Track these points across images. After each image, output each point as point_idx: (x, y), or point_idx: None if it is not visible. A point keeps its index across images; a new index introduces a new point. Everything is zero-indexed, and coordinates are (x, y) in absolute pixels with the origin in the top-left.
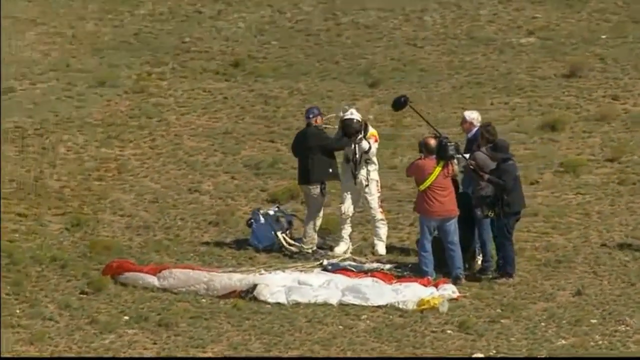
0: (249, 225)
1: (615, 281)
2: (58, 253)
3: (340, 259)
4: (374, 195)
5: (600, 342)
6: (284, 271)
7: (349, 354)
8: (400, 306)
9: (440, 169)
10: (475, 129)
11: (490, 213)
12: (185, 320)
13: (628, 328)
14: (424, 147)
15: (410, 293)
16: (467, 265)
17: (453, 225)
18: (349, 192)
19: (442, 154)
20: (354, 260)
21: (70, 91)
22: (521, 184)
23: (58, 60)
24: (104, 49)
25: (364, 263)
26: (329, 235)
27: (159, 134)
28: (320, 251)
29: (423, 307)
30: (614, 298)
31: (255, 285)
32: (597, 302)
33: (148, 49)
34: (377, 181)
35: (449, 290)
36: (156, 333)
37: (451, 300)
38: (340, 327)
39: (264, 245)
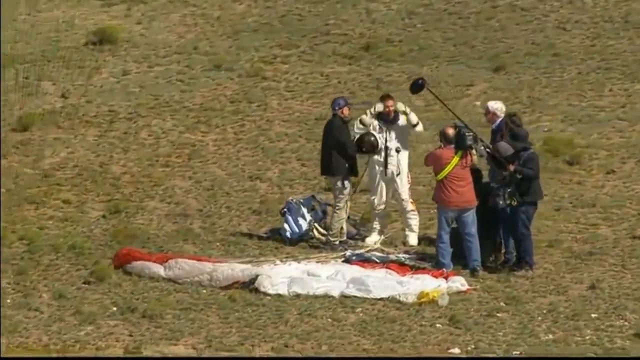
0: (283, 214)
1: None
2: (80, 241)
3: (367, 249)
4: (404, 185)
5: (587, 338)
6: (298, 262)
7: (323, 348)
8: (401, 299)
9: (458, 159)
10: (499, 119)
11: (512, 202)
12: (172, 312)
13: (625, 323)
14: (442, 136)
15: (416, 285)
16: (492, 257)
17: (471, 217)
18: (379, 183)
19: (460, 143)
20: (382, 251)
21: (184, 74)
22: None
23: (188, 42)
24: (241, 31)
25: (391, 254)
26: (364, 226)
27: (251, 119)
28: (351, 241)
29: (422, 300)
30: (628, 292)
31: (256, 276)
32: (608, 297)
33: (286, 31)
34: (407, 172)
35: (458, 283)
36: (137, 325)
37: (460, 293)
38: (329, 320)
39: (296, 235)
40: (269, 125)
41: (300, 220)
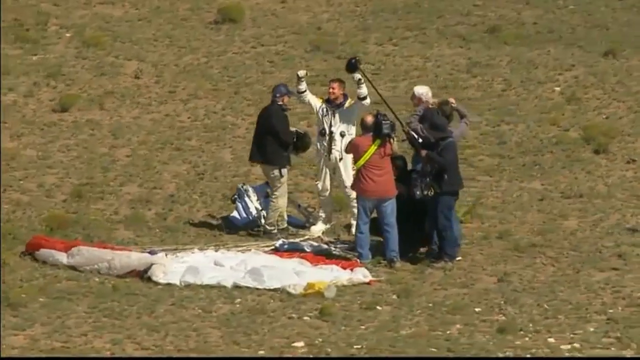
0: (233, 201)
1: (565, 268)
2: (12, 226)
3: (304, 238)
4: (348, 172)
5: (448, 332)
6: (216, 251)
7: (167, 340)
8: (290, 290)
9: (375, 147)
10: (422, 105)
11: (429, 192)
12: (39, 301)
13: (502, 318)
14: (361, 124)
15: (319, 276)
16: (425, 248)
17: (390, 207)
18: (324, 168)
19: (376, 131)
20: (322, 240)
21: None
22: (458, 164)
23: (314, 23)
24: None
25: (324, 244)
26: (312, 215)
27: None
28: (292, 229)
29: (309, 291)
30: (534, 286)
31: (151, 265)
32: (509, 290)
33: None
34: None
35: (360, 274)
36: None
37: (363, 284)
38: (199, 311)
39: (244, 221)
40: None
41: (251, 207)
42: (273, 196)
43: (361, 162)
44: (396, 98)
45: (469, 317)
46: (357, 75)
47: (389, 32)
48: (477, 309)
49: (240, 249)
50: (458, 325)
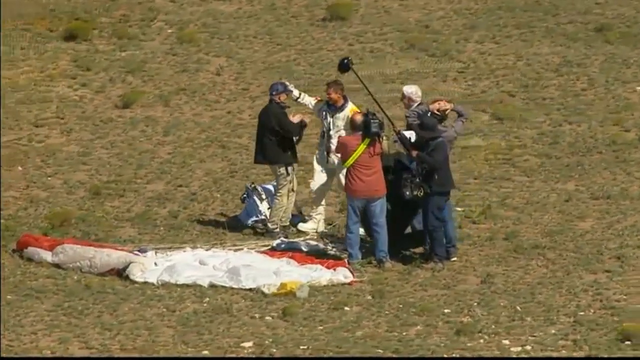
0: (242, 200)
1: (557, 269)
2: (13, 223)
3: (302, 239)
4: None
5: (405, 334)
6: (207, 250)
7: (116, 339)
8: (264, 290)
9: (364, 146)
10: (416, 104)
11: (419, 193)
12: (7, 299)
13: (468, 320)
14: (350, 123)
15: (296, 275)
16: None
17: (379, 206)
18: (321, 169)
19: (365, 130)
20: (322, 239)
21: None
22: (448, 164)
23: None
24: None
25: (322, 243)
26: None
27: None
28: (294, 229)
29: (281, 291)
30: (515, 288)
31: (129, 264)
32: (489, 292)
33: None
34: None
35: (341, 274)
36: None
37: (344, 285)
38: (163, 310)
39: (252, 221)
40: None
41: (260, 207)
42: (277, 194)
43: (350, 161)
44: (472, 97)
45: (434, 319)
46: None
47: (494, 30)
48: (446, 310)
49: (235, 248)
50: (419, 327)
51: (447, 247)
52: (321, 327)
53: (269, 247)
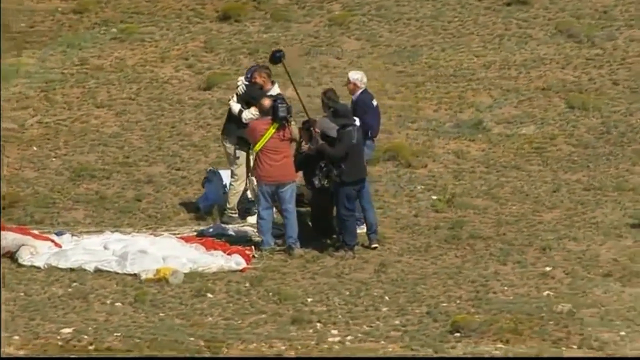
0: (203, 184)
1: (466, 261)
2: None
3: (236, 225)
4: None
5: (239, 322)
6: (126, 235)
7: None
8: (142, 275)
9: (273, 130)
10: (361, 90)
11: (325, 182)
12: None
13: (323, 309)
14: (258, 108)
15: (202, 261)
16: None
17: (289, 192)
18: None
19: (273, 115)
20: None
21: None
22: (362, 152)
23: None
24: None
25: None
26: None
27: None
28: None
29: (156, 277)
30: (405, 278)
31: (20, 247)
32: (376, 281)
33: None
34: None
35: (233, 262)
36: None
37: (236, 272)
38: (22, 294)
39: (209, 205)
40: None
41: (221, 190)
42: (232, 179)
43: (258, 146)
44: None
45: (286, 307)
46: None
47: None
48: (309, 299)
49: (176, 233)
50: (263, 316)
51: (369, 234)
52: (162, 314)
53: (198, 232)
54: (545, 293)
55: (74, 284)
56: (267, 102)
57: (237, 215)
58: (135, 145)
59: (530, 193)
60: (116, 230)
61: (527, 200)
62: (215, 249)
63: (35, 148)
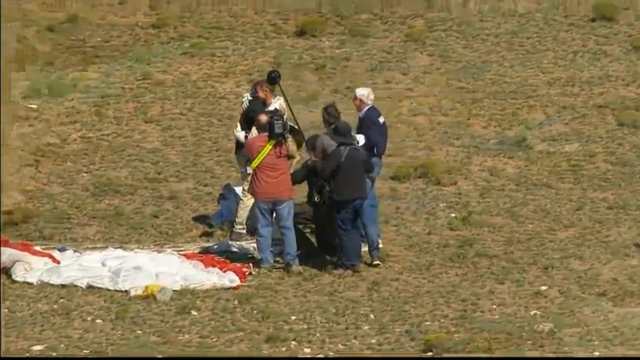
0: (218, 201)
1: (465, 280)
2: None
3: (242, 243)
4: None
5: (214, 340)
6: (127, 250)
7: None
8: (132, 292)
9: (270, 147)
10: (367, 107)
11: (316, 198)
12: None
13: (304, 327)
14: (255, 125)
15: (177, 279)
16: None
17: (287, 209)
18: None
19: (269, 131)
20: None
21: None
22: (357, 171)
23: None
24: None
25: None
26: None
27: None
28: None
29: (145, 294)
30: (398, 296)
31: (14, 262)
32: (367, 299)
33: None
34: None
35: (227, 278)
36: None
37: (229, 289)
38: (5, 310)
39: (222, 221)
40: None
41: (235, 207)
42: (242, 194)
43: (255, 162)
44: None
45: (267, 325)
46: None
47: None
48: (292, 317)
49: (180, 249)
50: (240, 334)
51: (370, 251)
52: (140, 331)
53: (203, 249)
54: (533, 312)
55: (61, 300)
56: (263, 118)
57: (245, 231)
58: (171, 160)
59: (551, 211)
60: (119, 247)
61: (546, 218)
62: (214, 265)
63: (69, 163)
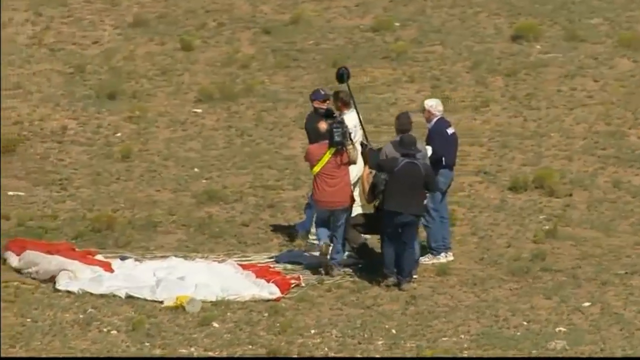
0: (305, 210)
1: (517, 294)
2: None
3: (315, 254)
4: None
5: (216, 353)
6: (190, 260)
7: None
8: (165, 303)
9: (330, 155)
10: (436, 118)
11: (376, 203)
12: None
13: (317, 341)
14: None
15: (217, 289)
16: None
17: (341, 218)
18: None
19: (329, 139)
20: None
21: None
22: (409, 186)
23: None
24: None
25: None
26: None
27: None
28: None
29: (175, 304)
30: (435, 311)
31: (60, 272)
32: (400, 314)
33: None
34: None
35: (266, 291)
36: None
37: (268, 301)
38: (28, 320)
39: (305, 230)
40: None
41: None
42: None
43: (316, 169)
44: None
45: (279, 340)
46: None
47: None
48: (312, 331)
49: (251, 258)
50: (247, 347)
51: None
52: (147, 343)
53: (272, 259)
54: (558, 329)
55: (91, 310)
56: (323, 126)
57: (317, 242)
58: (300, 167)
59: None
60: (183, 256)
61: (639, 232)
62: (265, 276)
63: (196, 170)
